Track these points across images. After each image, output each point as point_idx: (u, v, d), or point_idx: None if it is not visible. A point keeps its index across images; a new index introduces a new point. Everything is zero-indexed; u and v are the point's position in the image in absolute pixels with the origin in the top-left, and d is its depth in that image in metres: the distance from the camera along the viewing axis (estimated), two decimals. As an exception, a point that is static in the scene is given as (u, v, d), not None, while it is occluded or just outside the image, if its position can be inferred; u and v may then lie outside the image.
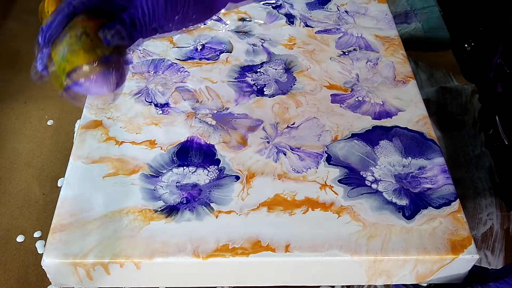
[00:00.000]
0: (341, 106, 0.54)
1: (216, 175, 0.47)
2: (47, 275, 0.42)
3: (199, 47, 0.60)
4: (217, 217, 0.43)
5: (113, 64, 0.37)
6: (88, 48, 0.37)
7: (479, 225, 0.54)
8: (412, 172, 0.47)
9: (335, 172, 0.47)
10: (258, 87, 0.56)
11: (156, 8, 0.38)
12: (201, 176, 0.46)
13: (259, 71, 0.58)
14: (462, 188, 0.57)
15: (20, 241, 0.50)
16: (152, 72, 0.57)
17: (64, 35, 0.36)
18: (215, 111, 0.53)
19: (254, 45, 0.61)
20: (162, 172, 0.47)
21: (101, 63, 0.37)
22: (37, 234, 0.51)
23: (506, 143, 0.47)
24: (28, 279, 0.47)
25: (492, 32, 0.74)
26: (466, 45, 0.73)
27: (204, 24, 0.63)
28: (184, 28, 0.42)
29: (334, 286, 0.48)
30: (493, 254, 0.51)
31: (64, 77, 0.37)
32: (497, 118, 0.48)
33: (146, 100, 0.54)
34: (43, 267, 0.41)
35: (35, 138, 0.60)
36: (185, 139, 0.50)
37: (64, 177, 0.47)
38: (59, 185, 0.55)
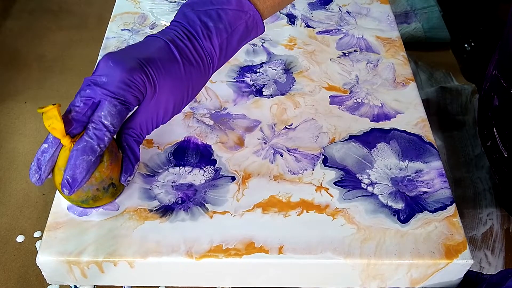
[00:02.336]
0: (339, 108, 0.54)
1: (212, 176, 0.47)
2: (42, 272, 0.42)
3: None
4: (211, 217, 0.43)
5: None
6: (111, 195, 0.41)
7: (479, 225, 0.54)
8: (408, 176, 0.47)
9: (331, 174, 0.47)
10: (257, 88, 0.56)
11: (159, 125, 0.43)
12: (197, 176, 0.46)
13: (259, 72, 0.57)
14: (462, 188, 0.56)
15: (20, 241, 0.51)
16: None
17: (90, 185, 0.39)
18: (213, 111, 0.53)
19: (254, 45, 0.61)
20: (158, 172, 0.47)
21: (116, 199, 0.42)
22: (37, 234, 0.51)
23: (506, 155, 0.46)
24: (28, 279, 0.48)
25: (492, 32, 0.74)
26: (466, 45, 0.73)
27: None
28: None
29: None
30: (493, 254, 0.51)
31: (73, 203, 0.41)
32: (495, 130, 0.47)
33: (145, 99, 0.54)
34: (37, 265, 0.41)
35: (35, 138, 0.61)
36: (182, 139, 0.50)
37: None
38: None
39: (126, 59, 0.38)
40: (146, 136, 0.43)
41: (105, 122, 0.37)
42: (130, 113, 0.41)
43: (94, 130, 0.37)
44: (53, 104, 0.36)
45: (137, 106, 0.41)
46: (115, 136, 0.41)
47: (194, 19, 0.42)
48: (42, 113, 0.36)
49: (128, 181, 0.41)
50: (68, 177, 0.37)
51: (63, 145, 0.38)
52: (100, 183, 0.39)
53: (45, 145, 0.38)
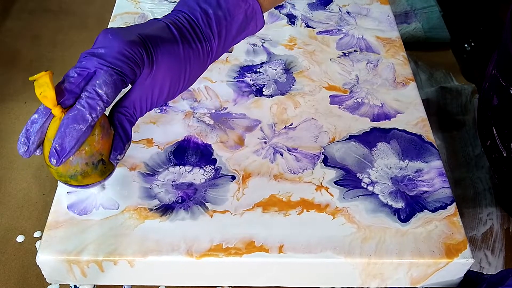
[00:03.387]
0: (339, 108, 0.54)
1: (212, 175, 0.47)
2: (42, 272, 0.42)
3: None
4: (211, 216, 0.43)
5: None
6: (101, 173, 0.39)
7: (479, 225, 0.53)
8: (409, 175, 0.47)
9: (331, 174, 0.47)
10: (257, 87, 0.56)
11: (154, 106, 0.41)
12: (197, 176, 0.46)
13: (259, 71, 0.58)
14: (462, 188, 0.56)
15: (20, 241, 0.51)
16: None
17: (79, 158, 0.37)
18: (213, 111, 0.53)
19: (254, 45, 0.61)
20: (158, 171, 0.47)
21: (105, 179, 0.40)
22: (37, 234, 0.51)
23: (505, 155, 0.46)
24: (28, 279, 0.48)
25: (492, 32, 0.74)
26: (466, 45, 0.73)
27: None
28: None
29: None
30: (493, 254, 0.51)
31: (62, 182, 0.39)
32: (494, 130, 0.47)
33: (145, 98, 0.54)
34: (37, 264, 0.41)
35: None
36: (182, 138, 0.50)
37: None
38: (58, 185, 0.56)
39: (126, 33, 0.38)
40: (139, 117, 0.41)
41: (99, 91, 0.36)
42: (125, 90, 0.40)
43: (87, 99, 0.36)
44: (45, 71, 0.35)
45: (130, 86, 0.40)
46: (107, 113, 0.40)
47: (194, 6, 0.42)
48: (34, 80, 0.35)
49: (118, 160, 0.39)
50: (56, 145, 0.35)
51: (54, 116, 0.36)
52: (90, 157, 0.37)
53: (35, 115, 0.36)
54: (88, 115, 0.35)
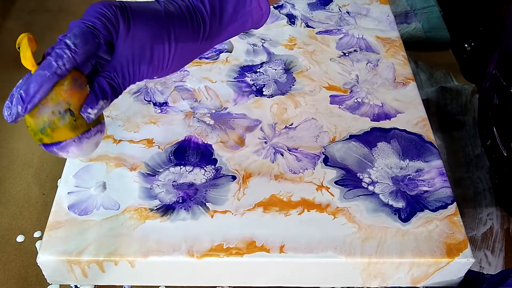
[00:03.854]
0: (340, 107, 0.54)
1: (212, 175, 0.47)
2: (43, 272, 0.42)
3: (199, 47, 0.60)
4: (212, 216, 0.43)
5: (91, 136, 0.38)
6: (71, 126, 0.37)
7: (479, 225, 0.53)
8: (409, 175, 0.47)
9: (332, 174, 0.47)
10: (257, 87, 0.56)
11: (137, 72, 0.39)
12: (197, 176, 0.46)
13: (259, 71, 0.58)
14: (462, 188, 0.56)
15: (20, 241, 0.51)
16: (152, 71, 0.57)
17: (46, 107, 0.36)
18: (214, 111, 0.53)
19: (254, 45, 0.61)
20: (159, 171, 0.47)
21: (80, 138, 0.38)
22: (37, 234, 0.51)
23: (505, 154, 0.46)
24: (28, 279, 0.47)
25: (492, 32, 0.74)
26: (466, 45, 0.73)
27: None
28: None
29: None
30: (493, 254, 0.51)
31: (39, 142, 0.38)
32: (494, 129, 0.47)
33: (145, 98, 0.54)
34: (38, 265, 0.41)
35: (35, 137, 0.61)
36: (183, 139, 0.50)
37: (62, 175, 0.47)
38: (59, 185, 0.56)
39: (108, 1, 0.38)
40: (124, 83, 0.39)
41: (67, 41, 0.36)
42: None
43: (55, 49, 0.36)
44: (24, 33, 0.36)
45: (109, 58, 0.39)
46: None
47: None
48: (18, 47, 0.36)
49: (89, 114, 0.37)
50: (22, 91, 0.35)
51: None
52: (56, 105, 0.36)
53: (20, 81, 0.37)
54: (54, 62, 0.36)
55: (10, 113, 0.36)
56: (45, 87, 0.36)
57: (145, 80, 0.55)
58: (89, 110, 0.37)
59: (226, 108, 0.53)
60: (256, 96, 0.55)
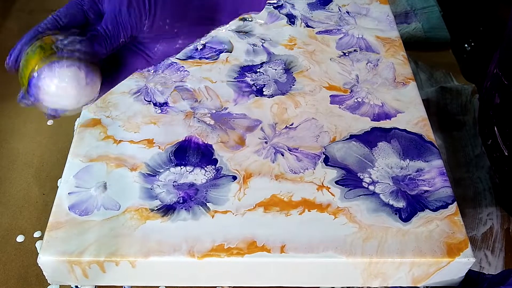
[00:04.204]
0: (340, 107, 0.54)
1: (213, 175, 0.47)
2: (44, 272, 0.42)
3: (199, 47, 0.60)
4: (213, 217, 0.43)
5: (67, 58, 0.37)
6: (40, 56, 0.37)
7: (479, 225, 0.53)
8: (410, 174, 0.47)
9: (332, 173, 0.47)
10: (258, 87, 0.56)
11: (128, 20, 0.38)
12: (198, 176, 0.46)
13: (259, 71, 0.58)
14: (462, 188, 0.56)
15: (20, 241, 0.51)
16: (152, 71, 0.57)
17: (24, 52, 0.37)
18: (214, 111, 0.53)
19: (254, 45, 0.61)
20: (159, 171, 0.47)
21: (50, 66, 0.37)
22: (37, 234, 0.51)
23: (506, 154, 0.47)
24: (28, 279, 0.47)
25: (492, 32, 0.74)
26: (466, 45, 0.73)
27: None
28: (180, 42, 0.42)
29: None
30: (493, 254, 0.51)
31: (22, 88, 0.38)
32: (495, 129, 0.47)
33: (145, 99, 0.54)
34: (39, 265, 0.41)
35: (35, 138, 0.60)
36: (183, 139, 0.50)
37: (62, 175, 0.47)
38: (59, 185, 0.56)
39: None
40: (116, 36, 0.38)
41: (53, 13, 0.38)
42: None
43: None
44: None
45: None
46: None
47: None
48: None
49: (64, 46, 0.37)
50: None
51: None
52: (30, 46, 0.37)
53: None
54: (37, 27, 0.38)
55: (6, 62, 0.38)
56: (26, 37, 0.37)
57: (145, 81, 0.56)
58: (59, 43, 0.37)
59: (226, 108, 0.53)
60: (256, 96, 0.55)
